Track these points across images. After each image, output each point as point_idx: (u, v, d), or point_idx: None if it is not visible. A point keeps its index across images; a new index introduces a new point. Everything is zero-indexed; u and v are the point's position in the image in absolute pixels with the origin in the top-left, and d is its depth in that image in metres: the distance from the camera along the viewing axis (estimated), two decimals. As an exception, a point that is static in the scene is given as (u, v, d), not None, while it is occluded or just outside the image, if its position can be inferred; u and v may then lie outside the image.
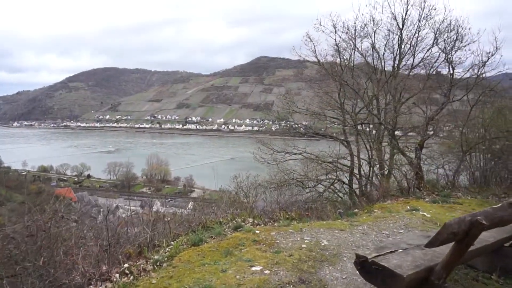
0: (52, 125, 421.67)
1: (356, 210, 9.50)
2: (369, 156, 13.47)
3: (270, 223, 8.21)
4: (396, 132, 13.94)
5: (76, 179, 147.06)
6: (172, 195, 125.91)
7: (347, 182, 13.95)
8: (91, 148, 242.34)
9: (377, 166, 13.43)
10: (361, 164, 13.55)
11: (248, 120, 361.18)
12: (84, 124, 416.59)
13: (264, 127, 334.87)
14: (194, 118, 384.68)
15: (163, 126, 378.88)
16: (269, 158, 15.12)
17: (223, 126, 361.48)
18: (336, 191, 13.74)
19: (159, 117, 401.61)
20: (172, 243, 6.75)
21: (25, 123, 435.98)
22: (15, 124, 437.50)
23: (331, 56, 14.58)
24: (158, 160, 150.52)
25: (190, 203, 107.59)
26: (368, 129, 14.20)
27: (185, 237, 6.97)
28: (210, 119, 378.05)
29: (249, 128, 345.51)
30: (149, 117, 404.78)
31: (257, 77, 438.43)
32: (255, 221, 8.13)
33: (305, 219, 8.58)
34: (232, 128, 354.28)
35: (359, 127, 14.62)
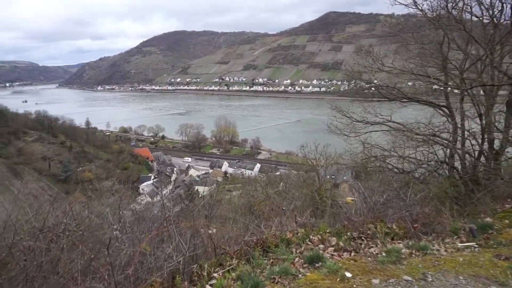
0: (130, 88, 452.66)
1: (488, 220, 6.46)
2: (482, 128, 9.90)
3: (364, 245, 5.60)
4: None
5: (152, 139, 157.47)
6: (239, 156, 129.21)
7: (450, 163, 10.41)
8: (163, 110, 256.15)
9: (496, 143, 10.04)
10: (469, 138, 10.26)
11: (315, 81, 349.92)
12: (157, 87, 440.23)
13: (332, 88, 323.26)
14: (260, 80, 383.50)
15: (230, 88, 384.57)
16: (346, 129, 12.44)
17: (289, 87, 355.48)
18: (439, 176, 10.50)
19: (227, 79, 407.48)
20: (215, 275, 4.72)
21: (107, 87, 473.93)
22: (99, 88, 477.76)
23: None
24: (226, 122, 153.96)
25: (257, 165, 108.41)
26: (476, 92, 10.75)
27: (234, 273, 4.71)
28: (276, 80, 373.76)
29: (317, 89, 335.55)
30: (217, 79, 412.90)
31: (326, 35, 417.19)
32: (340, 244, 5.56)
33: (415, 241, 5.67)
34: (299, 89, 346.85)
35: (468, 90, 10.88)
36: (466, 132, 10.39)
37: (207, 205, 6.82)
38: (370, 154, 11.99)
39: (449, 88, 11.29)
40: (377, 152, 11.99)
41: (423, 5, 10.73)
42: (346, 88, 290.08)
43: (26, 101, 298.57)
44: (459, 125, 10.48)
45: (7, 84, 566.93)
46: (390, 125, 11.98)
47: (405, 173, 10.73)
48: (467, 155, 10.33)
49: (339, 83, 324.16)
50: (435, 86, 12.22)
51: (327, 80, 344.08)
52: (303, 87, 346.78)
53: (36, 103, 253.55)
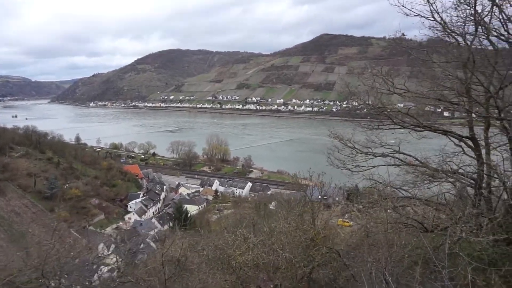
0: (123, 105, 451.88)
1: None
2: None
3: None
4: None
5: (143, 156, 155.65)
6: (231, 174, 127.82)
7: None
8: (155, 127, 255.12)
9: None
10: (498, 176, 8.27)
11: (308, 100, 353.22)
12: (150, 104, 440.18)
13: (324, 108, 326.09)
14: (254, 99, 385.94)
15: (223, 106, 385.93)
16: (348, 161, 10.57)
17: (282, 106, 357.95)
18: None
19: (220, 97, 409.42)
20: None
21: (100, 103, 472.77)
22: (91, 104, 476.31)
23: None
24: (218, 139, 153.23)
25: (248, 184, 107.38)
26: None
27: None
28: (269, 100, 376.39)
29: (309, 108, 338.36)
30: (210, 98, 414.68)
31: (319, 56, 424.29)
32: None
33: None
34: (292, 108, 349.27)
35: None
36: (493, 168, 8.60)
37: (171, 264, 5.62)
38: (381, 195, 9.71)
39: (473, 116, 9.49)
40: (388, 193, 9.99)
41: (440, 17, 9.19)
42: (339, 108, 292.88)
43: (16, 116, 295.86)
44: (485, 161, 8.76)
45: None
46: (398, 157, 10.28)
47: (436, 231, 7.82)
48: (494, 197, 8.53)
49: (331, 103, 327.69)
50: (456, 114, 10.70)
51: (319, 100, 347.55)
52: (295, 107, 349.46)
53: (26, 118, 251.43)
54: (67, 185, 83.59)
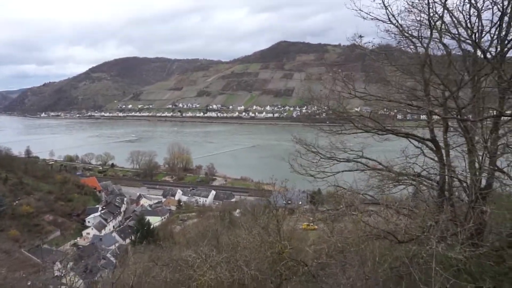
0: (77, 115, 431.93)
1: None
2: (479, 165, 7.79)
3: None
4: None
5: (101, 168, 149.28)
6: (194, 183, 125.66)
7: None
8: (113, 137, 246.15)
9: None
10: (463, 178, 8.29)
11: (268, 107, 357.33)
12: (107, 114, 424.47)
13: (285, 114, 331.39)
14: (214, 106, 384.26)
15: (184, 115, 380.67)
16: (312, 166, 10.36)
17: (243, 113, 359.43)
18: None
19: (180, 105, 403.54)
20: None
21: (52, 113, 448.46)
22: (43, 115, 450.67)
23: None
24: (180, 148, 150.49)
25: (212, 192, 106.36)
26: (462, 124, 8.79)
27: None
28: (230, 107, 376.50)
29: (270, 115, 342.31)
30: (170, 106, 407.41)
31: (278, 63, 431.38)
32: None
33: None
34: (253, 115, 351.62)
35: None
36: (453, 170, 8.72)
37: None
38: (343, 201, 9.20)
39: (434, 118, 9.49)
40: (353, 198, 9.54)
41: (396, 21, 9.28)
42: (299, 113, 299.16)
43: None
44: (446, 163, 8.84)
45: None
46: (363, 161, 10.23)
47: (408, 241, 7.41)
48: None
49: (291, 109, 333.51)
50: (420, 116, 10.82)
51: (279, 106, 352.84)
52: (257, 113, 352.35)
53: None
54: (16, 202, 78.21)
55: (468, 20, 8.59)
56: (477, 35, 8.60)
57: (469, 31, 8.64)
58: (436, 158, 9.41)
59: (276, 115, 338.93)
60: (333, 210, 9.86)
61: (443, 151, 9.22)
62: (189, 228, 58.04)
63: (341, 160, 10.51)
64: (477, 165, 8.06)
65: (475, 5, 8.46)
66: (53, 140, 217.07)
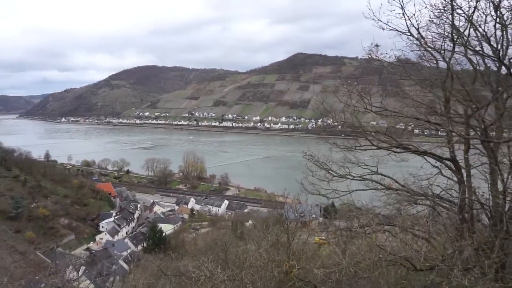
0: (96, 121, 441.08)
1: None
2: (504, 186, 7.18)
3: None
4: None
5: (116, 174, 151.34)
6: (207, 192, 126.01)
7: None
8: (129, 144, 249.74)
9: None
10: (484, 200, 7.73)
11: (284, 118, 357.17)
12: (125, 121, 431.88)
13: (300, 125, 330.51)
14: (230, 116, 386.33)
15: (200, 123, 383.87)
16: (324, 184, 9.96)
17: (259, 123, 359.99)
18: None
19: (196, 114, 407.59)
20: None
21: (72, 119, 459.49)
22: (63, 119, 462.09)
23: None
24: (194, 157, 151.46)
25: (225, 202, 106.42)
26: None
27: None
28: (246, 117, 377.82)
29: (285, 126, 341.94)
30: (186, 114, 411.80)
31: (294, 74, 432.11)
32: None
33: None
34: (268, 126, 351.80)
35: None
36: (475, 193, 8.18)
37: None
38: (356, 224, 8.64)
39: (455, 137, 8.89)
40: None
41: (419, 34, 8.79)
42: (314, 126, 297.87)
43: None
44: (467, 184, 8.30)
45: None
46: (376, 178, 9.75)
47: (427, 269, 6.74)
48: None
49: (306, 120, 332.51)
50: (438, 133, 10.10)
51: (295, 118, 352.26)
52: (272, 124, 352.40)
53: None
54: (34, 204, 79.69)
55: (493, 35, 8.18)
56: (501, 52, 8.18)
57: (493, 47, 8.21)
58: (455, 178, 8.87)
59: (291, 126, 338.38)
60: (346, 230, 9.42)
61: (463, 171, 8.68)
62: (200, 238, 57.84)
63: (355, 177, 10.08)
64: (500, 187, 7.57)
65: (500, 19, 8.07)
66: (72, 145, 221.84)
